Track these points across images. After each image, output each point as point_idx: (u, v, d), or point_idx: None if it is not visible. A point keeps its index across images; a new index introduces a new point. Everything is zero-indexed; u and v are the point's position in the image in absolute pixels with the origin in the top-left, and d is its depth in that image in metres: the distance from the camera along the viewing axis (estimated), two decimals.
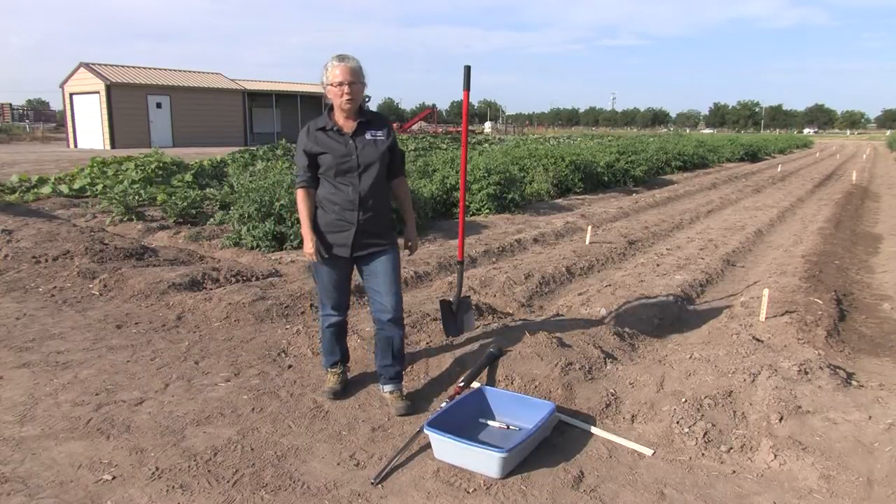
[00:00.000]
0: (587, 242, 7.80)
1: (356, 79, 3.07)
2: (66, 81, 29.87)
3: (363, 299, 5.02)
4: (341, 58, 3.07)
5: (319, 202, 3.22)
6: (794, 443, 2.88)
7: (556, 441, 3.04)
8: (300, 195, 3.21)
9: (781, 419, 3.04)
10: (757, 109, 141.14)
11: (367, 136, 3.15)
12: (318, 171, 3.19)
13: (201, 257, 6.92)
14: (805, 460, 2.77)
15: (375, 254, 3.25)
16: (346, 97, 3.05)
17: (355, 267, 3.34)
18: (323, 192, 3.20)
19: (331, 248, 3.20)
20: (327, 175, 3.16)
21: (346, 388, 3.53)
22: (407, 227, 3.46)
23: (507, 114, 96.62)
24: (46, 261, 6.32)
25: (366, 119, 3.16)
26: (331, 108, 3.19)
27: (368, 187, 3.13)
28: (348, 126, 3.15)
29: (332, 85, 3.06)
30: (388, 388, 3.40)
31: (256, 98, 34.33)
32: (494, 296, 5.53)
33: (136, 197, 9.65)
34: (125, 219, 8.79)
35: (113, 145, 27.62)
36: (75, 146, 29.42)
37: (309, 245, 3.18)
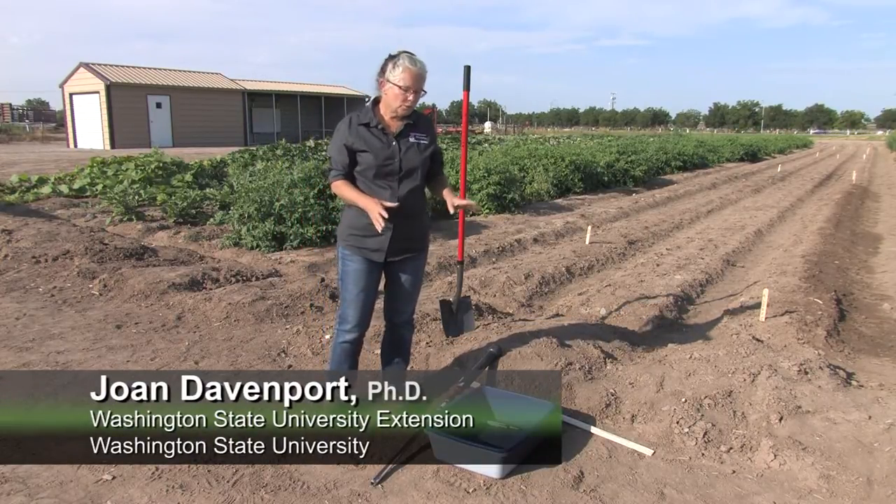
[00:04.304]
0: (587, 242, 7.81)
1: (421, 87, 2.88)
2: (66, 81, 29.86)
3: None
4: (414, 61, 2.85)
5: (353, 204, 2.99)
6: (794, 443, 2.88)
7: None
8: (339, 183, 2.95)
9: (781, 419, 3.04)
10: (757, 109, 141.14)
11: (412, 138, 2.96)
12: (355, 170, 2.97)
13: (201, 257, 6.92)
14: (805, 460, 2.77)
15: (408, 259, 3.10)
16: (406, 104, 2.87)
17: (383, 272, 3.16)
18: None
19: (365, 248, 3.01)
20: (365, 175, 2.95)
21: None
22: (446, 190, 3.11)
23: (507, 114, 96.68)
24: (46, 261, 6.32)
25: (411, 121, 2.97)
26: (375, 102, 2.97)
27: (407, 192, 2.96)
28: (394, 125, 2.95)
29: (396, 85, 2.83)
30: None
31: (256, 98, 34.32)
32: (494, 296, 5.54)
33: (136, 197, 9.65)
34: (125, 219, 8.79)
35: (113, 145, 27.60)
36: (75, 146, 29.41)
37: (372, 204, 2.80)
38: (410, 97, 2.85)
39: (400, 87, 2.83)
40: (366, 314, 3.14)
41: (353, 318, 3.11)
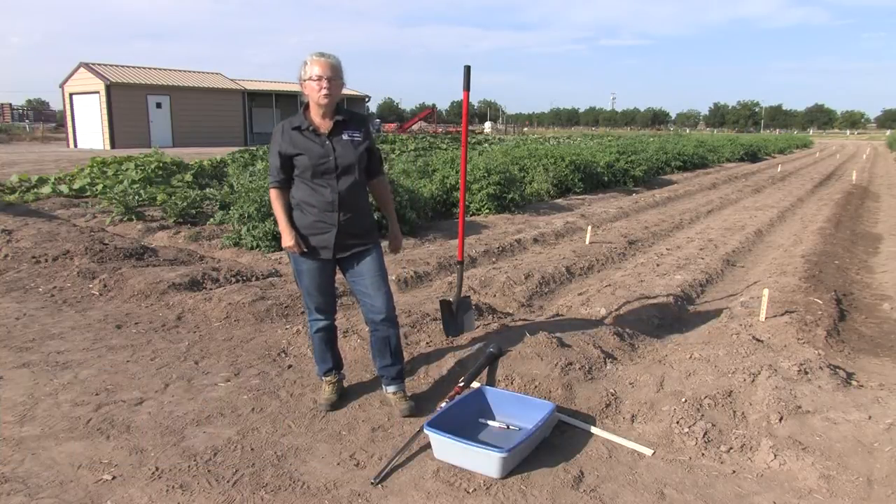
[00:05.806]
0: (587, 242, 7.81)
1: (335, 75, 2.99)
2: (66, 81, 29.87)
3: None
4: (321, 53, 3.01)
5: (297, 204, 3.12)
6: (794, 443, 2.88)
7: (556, 441, 3.04)
8: (273, 195, 3.15)
9: (781, 419, 3.04)
10: (757, 109, 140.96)
11: (345, 136, 3.06)
12: (294, 173, 3.09)
13: (201, 257, 6.92)
14: (805, 460, 2.77)
15: (358, 254, 3.18)
16: (323, 91, 2.95)
17: (339, 270, 3.27)
18: (300, 193, 3.10)
19: (311, 246, 3.13)
20: (304, 177, 3.06)
21: (343, 397, 3.46)
22: (391, 226, 3.41)
23: (507, 114, 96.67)
24: (46, 261, 6.32)
25: (342, 118, 3.07)
26: (306, 106, 3.10)
27: (347, 188, 3.06)
28: (324, 125, 3.06)
29: (309, 79, 2.97)
30: (391, 388, 3.38)
31: (256, 98, 34.33)
32: (494, 296, 5.53)
33: (136, 197, 9.65)
34: (125, 219, 8.79)
35: (113, 145, 27.62)
36: (75, 146, 29.42)
37: (288, 238, 3.10)
38: (325, 84, 2.98)
39: (313, 78, 2.97)
40: (326, 304, 3.32)
41: (313, 308, 3.31)
